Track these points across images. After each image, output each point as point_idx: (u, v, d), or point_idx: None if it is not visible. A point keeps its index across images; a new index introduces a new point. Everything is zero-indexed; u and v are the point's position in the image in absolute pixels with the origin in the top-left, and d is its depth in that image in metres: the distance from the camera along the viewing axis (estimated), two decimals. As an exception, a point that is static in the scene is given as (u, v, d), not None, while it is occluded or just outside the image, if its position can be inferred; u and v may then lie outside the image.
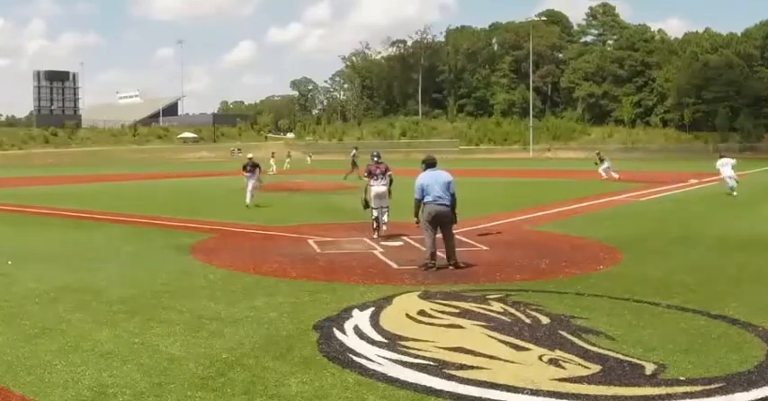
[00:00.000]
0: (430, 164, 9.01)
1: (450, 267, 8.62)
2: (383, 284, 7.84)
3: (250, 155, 19.38)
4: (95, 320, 6.34)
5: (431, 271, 8.55)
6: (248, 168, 18.22)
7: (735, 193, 20.49)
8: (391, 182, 11.81)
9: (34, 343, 5.63)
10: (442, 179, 8.82)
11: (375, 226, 11.57)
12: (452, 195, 8.80)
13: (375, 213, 11.63)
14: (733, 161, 22.04)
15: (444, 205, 8.71)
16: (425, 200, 8.76)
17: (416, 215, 8.98)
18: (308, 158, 54.73)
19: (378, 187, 11.70)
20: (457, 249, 10.27)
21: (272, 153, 42.80)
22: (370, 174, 11.84)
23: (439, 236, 8.86)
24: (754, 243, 10.98)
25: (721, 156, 22.61)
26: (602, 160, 30.66)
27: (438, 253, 8.80)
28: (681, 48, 78.37)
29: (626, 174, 32.26)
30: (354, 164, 31.50)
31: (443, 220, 8.77)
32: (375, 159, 11.98)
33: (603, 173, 29.51)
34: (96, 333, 5.90)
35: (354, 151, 33.35)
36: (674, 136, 72.91)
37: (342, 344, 5.49)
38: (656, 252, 10.26)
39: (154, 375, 4.79)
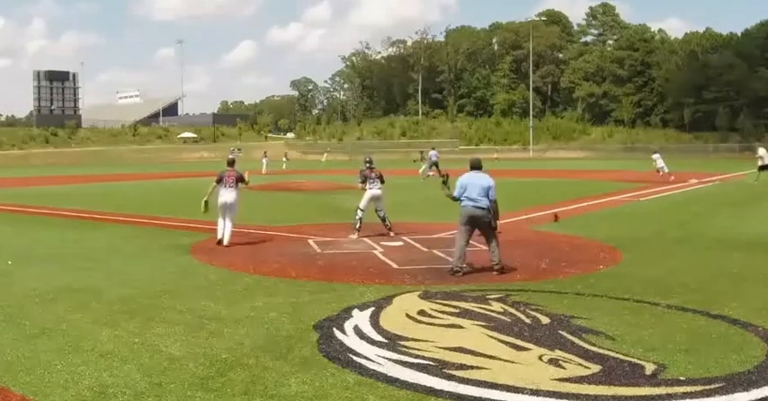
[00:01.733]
0: (474, 166, 8.93)
1: (495, 272, 8.42)
2: (383, 284, 7.84)
3: (233, 155, 12.71)
4: (95, 320, 6.34)
5: (429, 272, 8.55)
6: (230, 178, 11.05)
7: (666, 169, 28.41)
8: (383, 181, 12.27)
9: (34, 343, 5.63)
10: (482, 182, 8.64)
11: (358, 226, 11.76)
12: (493, 201, 8.60)
13: (360, 214, 11.83)
14: (661, 154, 30.14)
15: (480, 208, 8.54)
16: (463, 203, 8.64)
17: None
18: (324, 156, 52.32)
19: (374, 190, 11.94)
20: (457, 249, 10.32)
21: (264, 152, 41.68)
22: (366, 180, 12.05)
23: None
24: (754, 243, 10.98)
25: (654, 152, 30.44)
26: (423, 159, 31.94)
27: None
28: (681, 48, 78.36)
29: (626, 174, 32.25)
30: (435, 164, 30.54)
31: (480, 223, 8.59)
32: (368, 165, 12.24)
33: (422, 173, 30.33)
34: (96, 333, 5.90)
35: (434, 151, 32.83)
36: (674, 136, 72.87)
37: (342, 344, 5.49)
38: (656, 252, 10.26)
39: (154, 375, 4.79)
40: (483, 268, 8.84)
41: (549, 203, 18.15)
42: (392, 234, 11.72)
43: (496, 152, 58.60)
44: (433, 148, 35.26)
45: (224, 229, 10.84)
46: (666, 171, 28.25)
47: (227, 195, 10.90)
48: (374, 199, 11.89)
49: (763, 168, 25.35)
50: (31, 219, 16.03)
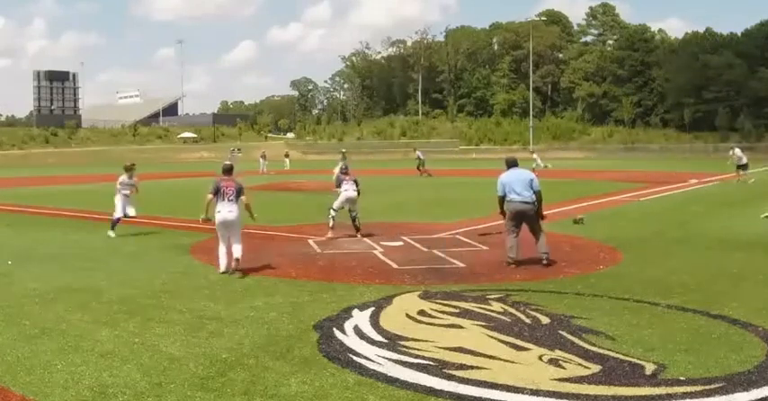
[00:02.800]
0: (512, 163, 9.35)
1: (544, 262, 8.84)
2: (383, 284, 7.85)
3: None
4: (95, 320, 6.35)
5: (429, 272, 8.56)
6: (229, 188, 8.80)
7: (549, 166, 34.20)
8: (359, 192, 12.34)
9: (34, 343, 5.64)
10: (523, 177, 9.10)
11: (332, 225, 11.86)
12: (537, 192, 9.04)
13: (333, 213, 11.99)
14: (539, 152, 37.12)
15: (526, 202, 8.95)
16: (508, 198, 9.02)
17: (501, 209, 9.24)
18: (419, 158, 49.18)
19: (350, 192, 12.10)
20: (456, 249, 10.34)
21: (263, 153, 40.73)
22: (341, 183, 12.29)
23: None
24: (754, 243, 10.98)
25: (533, 152, 36.99)
26: (344, 158, 31.98)
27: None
28: (681, 48, 78.33)
29: (626, 174, 32.30)
30: (422, 163, 33.74)
31: (526, 217, 9.01)
32: (343, 170, 12.76)
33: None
34: (96, 333, 5.91)
35: (419, 151, 35.70)
36: (674, 136, 72.84)
37: (342, 344, 5.49)
38: (656, 252, 10.26)
39: (154, 375, 4.79)
40: (481, 267, 8.84)
41: (549, 203, 18.13)
42: (359, 236, 11.77)
43: (474, 152, 61.89)
44: (416, 149, 37.31)
45: (227, 257, 8.70)
46: (544, 166, 33.65)
47: (226, 211, 8.66)
48: (349, 201, 12.10)
49: (741, 167, 26.39)
50: (31, 219, 16.03)
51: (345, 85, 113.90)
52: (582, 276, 8.29)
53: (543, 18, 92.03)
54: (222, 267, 8.66)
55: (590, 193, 21.34)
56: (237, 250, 8.65)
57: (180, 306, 6.86)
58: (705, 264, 9.16)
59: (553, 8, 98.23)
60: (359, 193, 12.24)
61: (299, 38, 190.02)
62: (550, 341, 5.53)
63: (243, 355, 5.24)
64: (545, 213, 9.39)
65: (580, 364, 4.95)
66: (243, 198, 8.87)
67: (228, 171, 9.05)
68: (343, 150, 37.66)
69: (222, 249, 8.76)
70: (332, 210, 12.00)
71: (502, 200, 9.09)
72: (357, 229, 12.03)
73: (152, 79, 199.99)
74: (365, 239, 11.46)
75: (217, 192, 8.72)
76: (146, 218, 15.51)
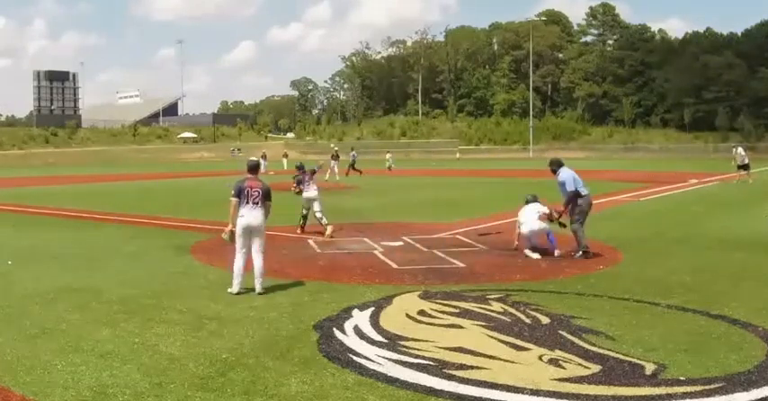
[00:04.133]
0: (562, 162, 10.15)
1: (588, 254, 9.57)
2: (383, 284, 7.84)
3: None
4: (95, 320, 6.35)
5: (429, 272, 8.56)
6: (254, 189, 7.59)
7: (393, 166, 39.30)
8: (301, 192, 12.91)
9: (34, 343, 5.63)
10: (577, 174, 9.84)
11: (302, 223, 12.56)
12: None
13: (305, 212, 12.54)
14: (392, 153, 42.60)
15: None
16: (584, 193, 9.75)
17: (567, 206, 9.92)
18: (352, 158, 46.10)
19: (309, 192, 12.74)
20: (456, 249, 10.36)
21: (263, 154, 39.41)
22: (300, 183, 13.00)
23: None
24: (754, 243, 10.97)
25: (388, 152, 41.18)
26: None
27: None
28: (681, 48, 78.35)
29: (626, 174, 32.32)
30: (353, 165, 35.25)
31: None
32: (301, 170, 13.41)
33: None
34: (96, 333, 5.91)
35: (353, 152, 37.26)
36: (674, 136, 72.94)
37: (342, 344, 5.49)
38: (656, 252, 10.26)
39: (154, 375, 4.79)
40: (481, 267, 8.85)
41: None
42: (327, 234, 11.89)
43: (458, 152, 62.92)
44: (352, 148, 39.28)
45: (244, 273, 7.51)
46: (393, 167, 38.74)
47: (251, 216, 7.49)
48: (309, 200, 12.56)
49: (742, 167, 26.23)
50: (32, 219, 16.03)
51: (345, 85, 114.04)
52: (582, 276, 8.29)
53: (543, 18, 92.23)
54: (236, 287, 7.43)
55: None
56: (259, 265, 7.48)
57: (180, 306, 6.85)
58: (705, 264, 9.16)
59: (553, 8, 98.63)
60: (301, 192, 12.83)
61: (299, 38, 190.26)
62: (550, 341, 5.53)
63: (243, 355, 5.24)
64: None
65: (580, 364, 4.95)
66: (269, 203, 7.67)
67: (254, 169, 7.80)
68: (335, 148, 38.10)
69: (239, 263, 7.47)
70: (319, 213, 12.34)
71: (578, 194, 9.71)
72: (324, 227, 12.21)
73: (152, 79, 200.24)
74: (365, 239, 11.46)
75: (239, 195, 7.53)
76: (146, 218, 15.53)
